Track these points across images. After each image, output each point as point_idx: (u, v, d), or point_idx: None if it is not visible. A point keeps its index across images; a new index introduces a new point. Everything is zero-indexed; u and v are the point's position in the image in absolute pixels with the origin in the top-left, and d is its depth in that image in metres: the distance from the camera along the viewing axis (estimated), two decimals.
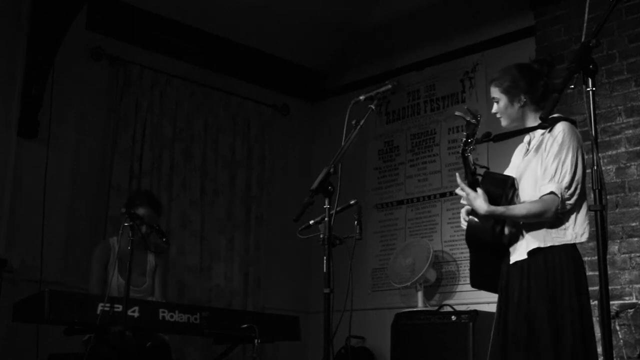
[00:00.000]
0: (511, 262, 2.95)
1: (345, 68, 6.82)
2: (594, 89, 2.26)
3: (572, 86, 2.26)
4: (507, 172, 3.10)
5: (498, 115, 3.10)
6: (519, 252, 2.93)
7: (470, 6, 5.91)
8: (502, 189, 2.94)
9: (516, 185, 2.99)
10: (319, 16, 6.32)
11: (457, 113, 2.93)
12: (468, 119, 2.84)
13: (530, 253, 2.88)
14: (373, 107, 3.08)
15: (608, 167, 4.83)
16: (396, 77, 5.97)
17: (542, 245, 2.86)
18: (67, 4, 5.05)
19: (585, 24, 2.61)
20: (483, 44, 5.84)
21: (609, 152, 4.85)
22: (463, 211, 3.01)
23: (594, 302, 4.62)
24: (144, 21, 5.80)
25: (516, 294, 2.89)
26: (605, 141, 4.87)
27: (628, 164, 4.80)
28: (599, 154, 2.61)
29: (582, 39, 2.34)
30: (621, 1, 3.45)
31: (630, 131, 4.82)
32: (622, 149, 4.84)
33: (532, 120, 3.02)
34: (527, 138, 3.09)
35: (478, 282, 3.17)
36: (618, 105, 4.90)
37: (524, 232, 2.92)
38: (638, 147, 4.78)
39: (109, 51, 5.59)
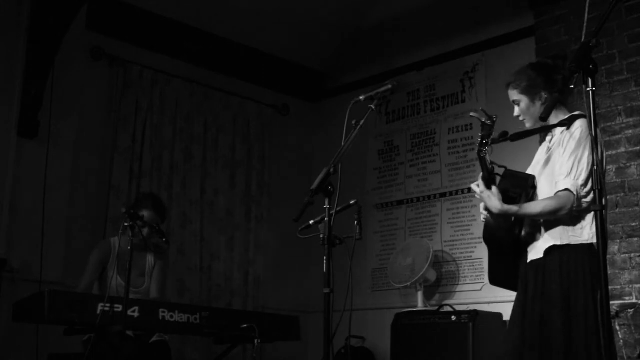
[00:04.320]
0: (528, 261, 2.95)
1: (345, 68, 6.82)
2: (594, 89, 2.25)
3: (572, 86, 2.26)
4: (529, 171, 3.09)
5: (521, 118, 3.08)
6: (535, 251, 2.93)
7: (470, 6, 5.91)
8: (521, 188, 2.94)
9: (536, 184, 2.98)
10: (318, 16, 6.32)
11: (472, 114, 2.91)
12: (483, 120, 2.83)
13: (546, 252, 2.87)
14: (373, 107, 3.07)
15: (608, 167, 4.83)
16: (396, 77, 5.98)
17: (558, 243, 2.85)
18: (67, 4, 5.05)
19: (585, 24, 2.61)
20: (483, 44, 5.85)
21: (609, 152, 4.84)
22: (481, 206, 3.01)
23: None
24: (144, 21, 5.80)
25: (531, 293, 2.88)
26: (605, 141, 4.86)
27: (628, 164, 4.80)
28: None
29: (582, 39, 2.33)
30: (621, 1, 3.45)
31: (630, 131, 4.82)
32: (622, 149, 4.84)
33: (554, 116, 2.98)
34: (549, 137, 3.07)
35: (497, 280, 3.16)
36: (618, 105, 4.90)
37: (542, 231, 2.91)
38: (638, 147, 4.78)
39: (109, 51, 5.59)
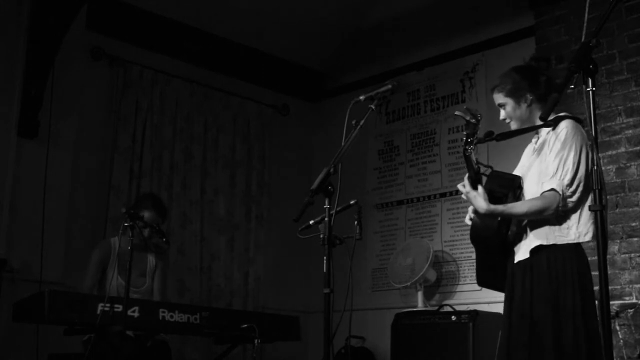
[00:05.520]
0: (515, 262, 2.96)
1: (345, 68, 6.82)
2: (594, 89, 2.25)
3: (572, 86, 2.26)
4: (516, 172, 3.10)
5: (507, 121, 3.10)
6: (522, 251, 2.93)
7: (470, 6, 5.91)
8: (507, 188, 2.95)
9: (522, 184, 2.99)
10: (319, 16, 6.32)
11: (456, 113, 2.92)
12: (467, 118, 2.84)
13: (532, 252, 2.88)
14: (373, 107, 3.08)
15: (608, 167, 4.83)
16: (396, 77, 5.98)
17: (544, 243, 2.86)
18: (67, 4, 5.05)
19: (585, 24, 2.60)
20: (483, 44, 5.84)
21: (609, 152, 4.85)
22: (470, 209, 3.02)
23: None
24: (144, 21, 5.80)
25: (519, 294, 2.89)
26: (605, 141, 4.87)
27: (628, 164, 4.80)
28: (599, 154, 2.61)
29: (582, 39, 2.33)
30: (621, 1, 3.45)
31: (630, 131, 4.82)
32: (622, 149, 4.83)
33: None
34: (535, 138, 3.09)
35: (484, 281, 3.17)
36: (618, 105, 4.90)
37: (527, 231, 2.92)
38: (638, 147, 4.78)
39: (109, 51, 5.59)
